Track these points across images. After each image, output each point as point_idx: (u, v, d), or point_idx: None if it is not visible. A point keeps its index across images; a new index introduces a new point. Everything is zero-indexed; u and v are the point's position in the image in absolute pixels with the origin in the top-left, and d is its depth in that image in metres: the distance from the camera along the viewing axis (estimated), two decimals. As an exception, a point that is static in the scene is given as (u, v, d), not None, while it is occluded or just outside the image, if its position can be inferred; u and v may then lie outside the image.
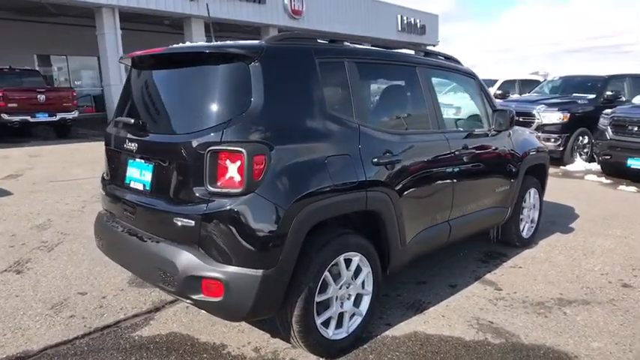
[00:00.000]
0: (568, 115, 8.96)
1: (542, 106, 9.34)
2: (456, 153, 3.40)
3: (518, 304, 3.37)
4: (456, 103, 3.63)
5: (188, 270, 2.31)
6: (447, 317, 3.18)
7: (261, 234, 2.26)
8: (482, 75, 5.62)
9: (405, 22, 24.87)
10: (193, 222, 2.30)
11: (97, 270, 3.93)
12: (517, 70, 16.40)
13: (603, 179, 7.87)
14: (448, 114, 3.50)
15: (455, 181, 3.39)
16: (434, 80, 3.40)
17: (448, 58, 3.78)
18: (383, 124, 2.96)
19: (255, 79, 2.35)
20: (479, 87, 3.94)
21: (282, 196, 2.30)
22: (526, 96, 11.44)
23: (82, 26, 16.70)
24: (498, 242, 4.48)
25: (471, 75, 3.93)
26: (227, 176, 2.26)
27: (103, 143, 3.14)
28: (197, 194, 2.32)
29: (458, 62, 3.87)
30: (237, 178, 2.24)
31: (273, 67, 2.41)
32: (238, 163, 2.23)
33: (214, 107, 2.38)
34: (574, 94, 9.93)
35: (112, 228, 2.84)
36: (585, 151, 9.32)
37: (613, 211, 5.89)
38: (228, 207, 2.24)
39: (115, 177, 2.94)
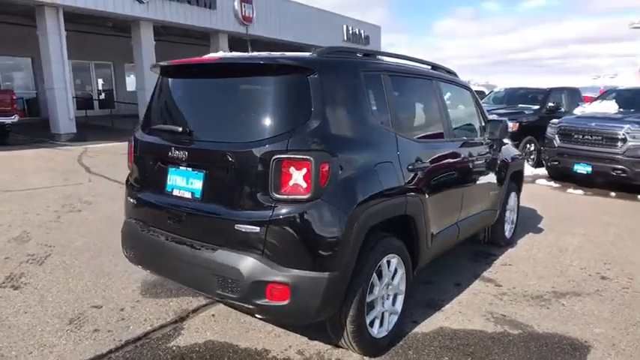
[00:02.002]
0: (517, 124, 9.70)
1: (494, 116, 10.04)
2: (465, 160, 3.68)
3: (521, 298, 3.68)
4: (457, 114, 3.92)
5: (253, 275, 2.35)
6: (464, 313, 3.42)
7: (328, 238, 2.36)
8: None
9: (351, 32, 25.52)
10: (258, 228, 2.35)
11: (102, 282, 3.79)
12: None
13: (552, 183, 8.60)
14: (455, 124, 3.78)
15: (464, 185, 3.67)
16: (444, 92, 3.67)
17: (449, 71, 4.07)
18: (412, 133, 3.16)
19: (314, 90, 2.45)
20: (474, 99, 4.26)
21: (345, 202, 2.42)
22: None
23: (12, 24, 15.65)
24: (486, 243, 4.83)
25: (467, 87, 4.24)
26: (293, 183, 2.33)
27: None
28: (261, 201, 2.38)
29: (456, 75, 4.17)
30: (304, 185, 2.32)
31: (329, 79, 2.53)
32: (304, 170, 2.32)
33: (276, 117, 2.45)
34: (520, 105, 10.75)
35: (151, 237, 2.80)
36: (532, 157, 10.12)
37: (570, 213, 6.49)
38: (296, 213, 2.32)
39: (149, 185, 2.90)
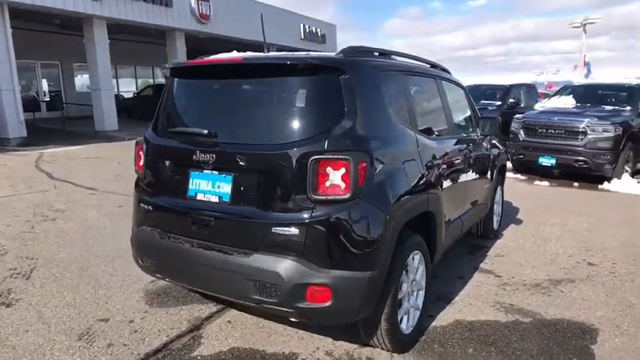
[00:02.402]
0: None
1: None
2: (467, 155, 3.79)
3: (522, 287, 3.84)
4: (457, 111, 4.03)
5: (294, 278, 2.32)
6: (474, 304, 3.52)
7: (368, 237, 2.37)
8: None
9: (308, 30, 25.54)
10: (297, 230, 2.31)
11: (101, 294, 3.61)
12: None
13: (519, 176, 8.99)
14: (456, 120, 3.89)
15: (466, 180, 3.78)
16: (445, 90, 3.76)
17: (444, 69, 4.16)
18: (426, 130, 3.21)
19: (346, 90, 2.44)
20: (468, 96, 4.39)
21: (382, 200, 2.43)
22: None
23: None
24: (478, 236, 4.99)
25: (461, 85, 4.36)
26: (331, 184, 2.31)
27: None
28: (298, 202, 2.34)
29: (450, 73, 4.28)
30: (342, 185, 2.31)
31: (358, 79, 2.53)
32: (342, 170, 2.30)
33: (310, 117, 2.42)
34: (482, 101, 11.16)
35: (173, 245, 2.69)
36: (496, 151, 10.54)
37: (542, 203, 6.82)
38: (336, 213, 2.30)
39: (167, 189, 2.78)
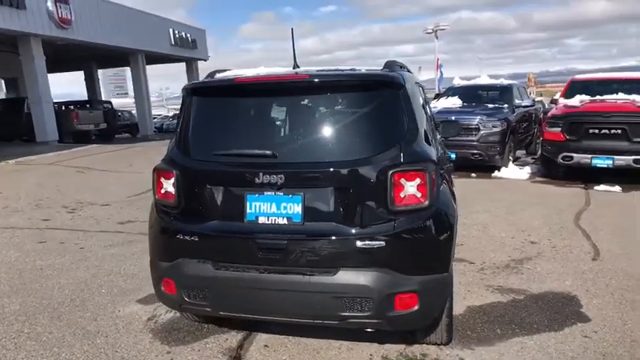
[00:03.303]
0: None
1: None
2: (448, 158, 4.16)
3: (497, 270, 4.34)
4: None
5: (384, 289, 2.38)
6: (472, 291, 3.90)
7: (445, 240, 2.54)
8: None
9: (177, 35, 24.44)
10: (383, 242, 2.38)
11: (101, 342, 3.19)
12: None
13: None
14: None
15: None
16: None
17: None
18: (435, 136, 3.46)
19: (405, 104, 2.58)
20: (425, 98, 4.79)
21: (449, 205, 2.63)
22: None
23: None
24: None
25: (422, 87, 4.74)
26: (409, 194, 2.43)
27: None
28: (380, 215, 2.41)
29: None
30: (418, 194, 2.44)
31: (411, 93, 2.68)
32: (418, 180, 2.43)
33: (380, 132, 2.50)
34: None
35: (236, 274, 2.52)
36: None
37: (458, 194, 7.64)
38: (417, 221, 2.43)
39: (215, 216, 2.60)
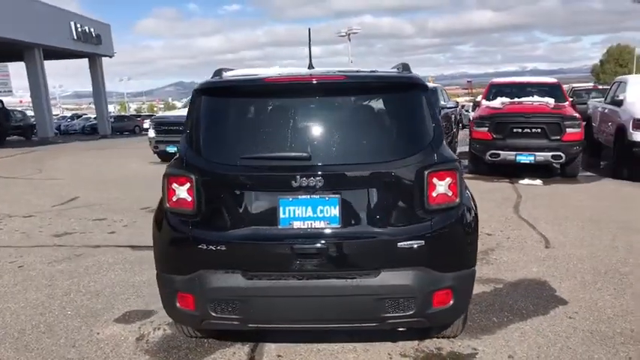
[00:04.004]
0: None
1: None
2: None
3: (469, 262, 4.58)
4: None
5: (425, 287, 2.41)
6: (454, 283, 4.07)
7: (474, 236, 2.64)
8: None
9: (80, 30, 22.54)
10: (422, 241, 2.41)
11: (93, 370, 2.84)
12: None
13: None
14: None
15: None
16: None
17: None
18: None
19: (429, 106, 2.62)
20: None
21: (472, 201, 2.71)
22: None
23: None
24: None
25: None
26: (442, 193, 2.48)
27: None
28: (418, 214, 2.44)
29: None
30: (450, 193, 2.50)
31: (431, 94, 2.72)
32: (449, 180, 2.49)
33: (412, 133, 2.53)
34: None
35: (271, 283, 2.39)
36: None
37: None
38: (452, 219, 2.49)
39: (243, 223, 2.44)
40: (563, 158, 8.50)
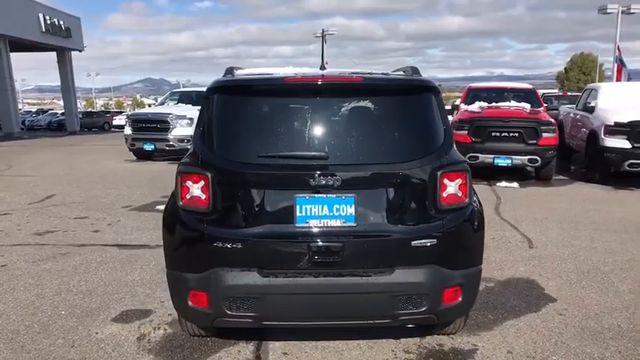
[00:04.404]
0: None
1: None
2: None
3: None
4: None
5: (437, 285, 2.48)
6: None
7: (481, 235, 2.74)
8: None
9: (49, 22, 21.81)
10: (435, 239, 2.48)
11: (96, 370, 2.79)
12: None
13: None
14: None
15: None
16: None
17: None
18: None
19: (439, 108, 2.70)
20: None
21: (478, 201, 2.79)
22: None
23: None
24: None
25: None
26: (453, 193, 2.56)
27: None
28: (431, 214, 2.51)
29: None
30: (460, 193, 2.58)
31: (440, 97, 2.79)
32: (459, 180, 2.58)
33: (424, 134, 2.59)
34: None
35: (288, 280, 2.41)
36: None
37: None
38: (462, 219, 2.57)
39: (260, 221, 2.46)
40: (539, 162, 8.80)
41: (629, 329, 3.28)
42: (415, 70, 2.97)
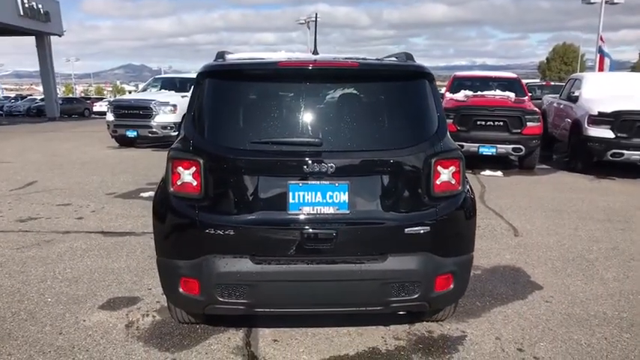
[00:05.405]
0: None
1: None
2: None
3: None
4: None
5: (429, 272, 2.50)
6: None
7: (473, 222, 2.75)
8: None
9: (27, 5, 21.14)
10: (428, 227, 2.48)
11: (83, 358, 2.75)
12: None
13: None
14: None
15: None
16: None
17: None
18: None
19: (434, 95, 2.69)
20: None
21: (470, 189, 2.80)
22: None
23: None
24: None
25: None
26: (446, 181, 2.57)
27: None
28: (424, 201, 2.51)
29: None
30: (453, 181, 2.59)
31: (435, 84, 2.78)
32: (453, 168, 2.58)
33: (419, 121, 2.58)
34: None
35: (281, 268, 2.40)
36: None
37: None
38: (455, 206, 2.58)
39: (253, 208, 2.44)
40: (523, 151, 8.90)
41: (614, 316, 3.36)
42: (409, 57, 2.95)
